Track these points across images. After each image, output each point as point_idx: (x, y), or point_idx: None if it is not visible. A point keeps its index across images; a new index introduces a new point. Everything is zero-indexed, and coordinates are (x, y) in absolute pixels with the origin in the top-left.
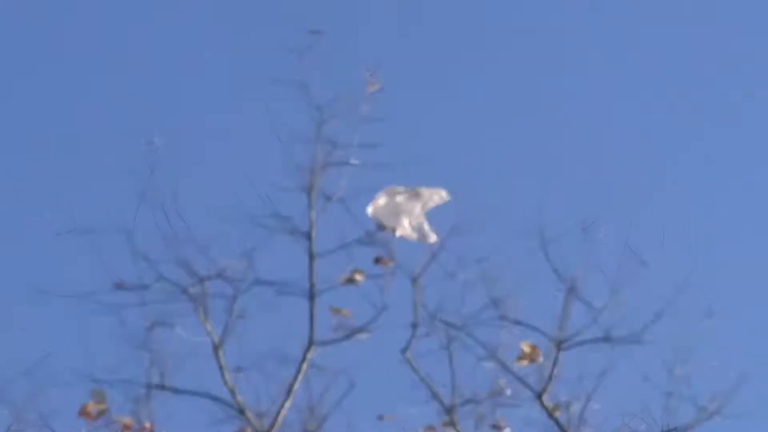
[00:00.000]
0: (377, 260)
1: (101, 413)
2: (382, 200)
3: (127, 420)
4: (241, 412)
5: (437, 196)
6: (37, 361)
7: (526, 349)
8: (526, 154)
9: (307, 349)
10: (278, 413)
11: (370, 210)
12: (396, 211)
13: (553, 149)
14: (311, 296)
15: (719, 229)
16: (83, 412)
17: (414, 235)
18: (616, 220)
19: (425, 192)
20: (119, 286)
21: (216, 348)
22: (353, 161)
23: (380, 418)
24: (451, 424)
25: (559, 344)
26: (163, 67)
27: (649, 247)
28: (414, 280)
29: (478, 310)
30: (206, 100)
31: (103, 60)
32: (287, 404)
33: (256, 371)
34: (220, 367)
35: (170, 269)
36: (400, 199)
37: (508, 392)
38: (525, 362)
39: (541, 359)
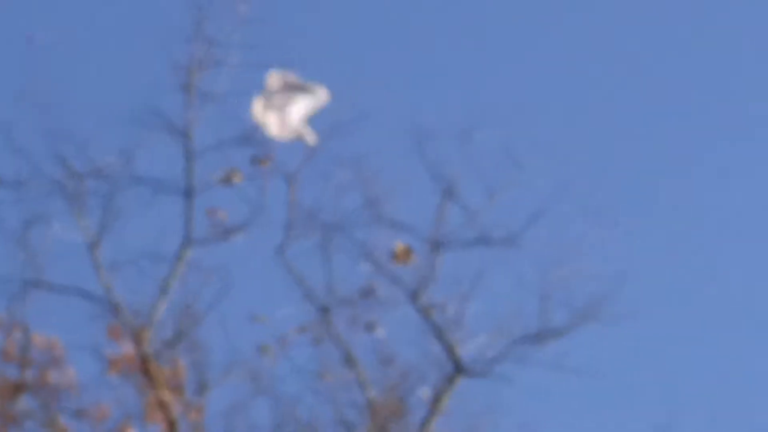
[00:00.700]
0: (254, 160)
1: None
2: (264, 97)
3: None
4: (116, 309)
5: (317, 95)
6: None
7: (400, 249)
8: (405, 55)
9: (183, 249)
10: (153, 311)
11: (252, 109)
12: (277, 111)
13: (434, 52)
14: (188, 195)
15: (598, 135)
16: None
17: (293, 136)
18: (495, 124)
19: (306, 87)
20: None
21: (92, 246)
22: (232, 61)
23: (254, 318)
24: (325, 324)
25: (435, 245)
26: None
27: (527, 151)
28: (290, 181)
29: (354, 211)
30: None
31: None
32: (162, 303)
33: (132, 269)
34: (96, 265)
35: (48, 166)
36: (280, 98)
37: (382, 293)
38: (399, 263)
39: (414, 260)
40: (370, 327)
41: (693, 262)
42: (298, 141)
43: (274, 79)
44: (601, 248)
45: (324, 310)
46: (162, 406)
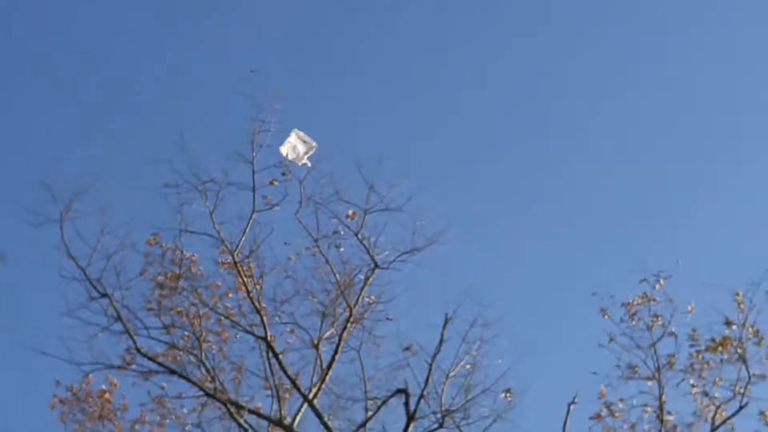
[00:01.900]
0: (284, 173)
1: None
2: (288, 142)
3: None
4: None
5: (312, 144)
6: None
7: None
8: None
9: None
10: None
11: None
12: (293, 149)
13: None
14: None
15: None
16: None
17: (301, 162)
18: None
19: (307, 139)
20: None
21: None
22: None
23: None
24: None
25: None
26: None
27: None
28: (300, 182)
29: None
30: None
31: None
32: None
33: None
34: None
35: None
36: (296, 143)
37: None
38: None
39: None
40: None
41: None
42: (303, 165)
43: (296, 132)
44: None
45: None
46: None
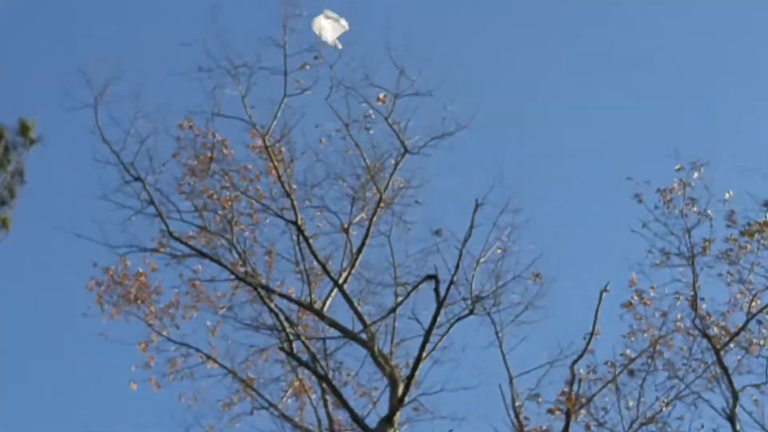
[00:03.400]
0: (316, 56)
1: None
2: (320, 19)
3: None
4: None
5: (343, 23)
6: None
7: None
8: None
9: None
10: None
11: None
12: (325, 27)
13: None
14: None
15: None
16: None
17: (332, 41)
18: None
19: (339, 18)
20: None
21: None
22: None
23: None
24: None
25: None
26: None
27: None
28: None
29: None
30: None
31: None
32: None
33: None
34: None
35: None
36: (327, 20)
37: None
38: None
39: None
40: None
41: None
42: (334, 45)
43: (326, 12)
44: None
45: None
46: None
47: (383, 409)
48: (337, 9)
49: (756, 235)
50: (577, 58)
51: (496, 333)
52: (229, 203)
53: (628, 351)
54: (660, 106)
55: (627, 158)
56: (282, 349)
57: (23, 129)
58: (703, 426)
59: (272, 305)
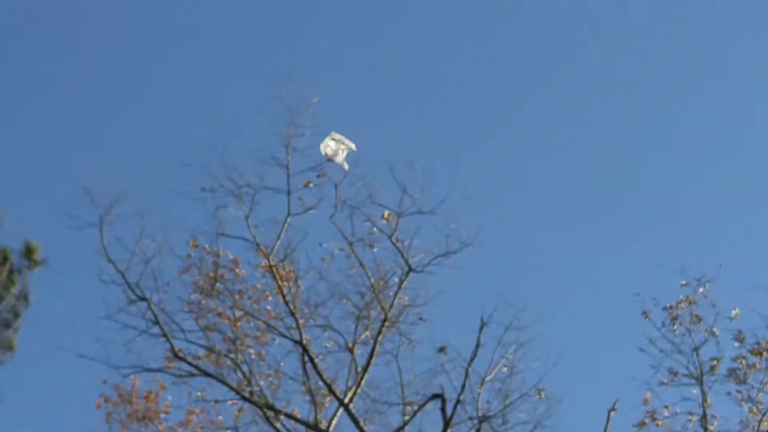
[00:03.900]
0: (319, 174)
1: None
2: (326, 142)
3: None
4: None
5: (350, 144)
6: None
7: None
8: None
9: None
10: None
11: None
12: (332, 149)
13: None
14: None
15: None
16: None
17: (339, 162)
18: None
19: (346, 140)
20: None
21: None
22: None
23: None
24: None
25: None
26: None
27: None
28: (336, 185)
29: None
30: None
31: None
32: None
33: None
34: None
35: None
36: (334, 142)
37: None
38: None
39: None
40: None
41: None
42: (341, 165)
43: (332, 135)
44: None
45: None
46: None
47: None
48: (338, 125)
49: (764, 354)
50: (576, 172)
51: None
52: (236, 323)
53: None
54: (667, 221)
55: (634, 274)
56: None
57: (28, 251)
58: None
59: (278, 425)
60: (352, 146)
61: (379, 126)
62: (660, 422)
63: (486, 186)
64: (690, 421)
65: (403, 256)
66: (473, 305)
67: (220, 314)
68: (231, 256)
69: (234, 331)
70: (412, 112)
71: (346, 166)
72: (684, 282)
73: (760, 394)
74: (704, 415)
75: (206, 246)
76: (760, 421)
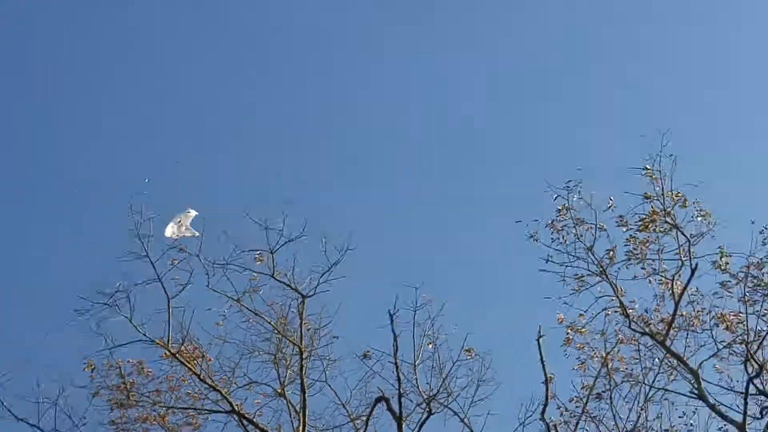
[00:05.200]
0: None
1: None
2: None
3: None
4: None
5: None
6: None
7: None
8: None
9: None
10: None
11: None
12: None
13: None
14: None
15: None
16: None
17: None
18: None
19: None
20: None
21: None
22: None
23: None
24: None
25: None
26: None
27: None
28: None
29: None
30: None
31: None
32: None
33: None
34: None
35: None
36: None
37: None
38: None
39: None
40: None
41: None
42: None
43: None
44: None
45: None
46: None
47: None
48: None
49: (650, 225)
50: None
51: (462, 420)
52: (165, 419)
53: (585, 381)
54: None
55: (515, 204)
56: None
57: None
58: (684, 414)
59: None
60: (193, 213)
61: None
62: (582, 330)
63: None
64: (608, 314)
65: (291, 287)
66: (378, 302)
67: (146, 419)
68: (133, 361)
69: (166, 427)
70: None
71: (197, 233)
72: (555, 196)
73: (662, 263)
74: (621, 305)
75: (105, 362)
76: (671, 285)
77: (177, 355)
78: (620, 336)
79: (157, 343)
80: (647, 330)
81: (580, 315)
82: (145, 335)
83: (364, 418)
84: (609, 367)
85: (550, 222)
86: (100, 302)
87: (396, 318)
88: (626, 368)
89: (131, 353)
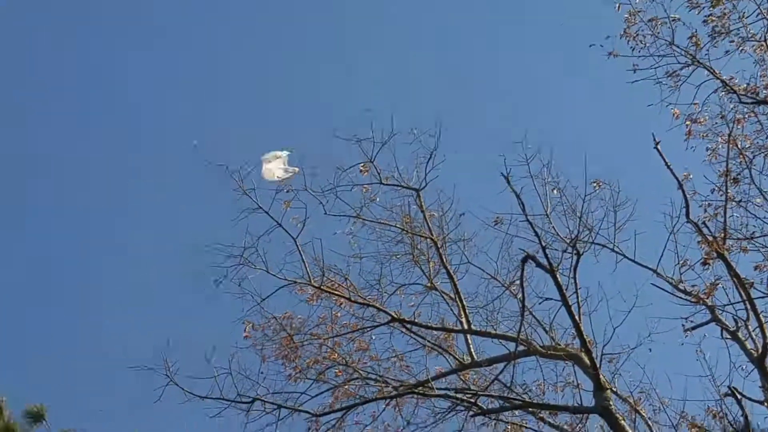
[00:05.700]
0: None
1: None
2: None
3: None
4: None
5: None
6: None
7: None
8: None
9: None
10: None
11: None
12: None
13: None
14: None
15: None
16: None
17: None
18: None
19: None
20: None
21: None
22: None
23: None
24: None
25: None
26: None
27: None
28: None
29: None
30: None
31: None
32: None
33: None
34: None
35: None
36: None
37: None
38: None
39: None
40: None
41: None
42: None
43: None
44: None
45: None
46: None
47: None
48: None
49: None
50: None
51: (612, 250)
52: (334, 355)
53: (720, 168)
54: None
55: None
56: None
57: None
58: None
59: None
60: (285, 153)
61: None
62: (701, 120)
63: None
64: (720, 96)
65: (402, 186)
66: (486, 171)
67: (317, 361)
68: (288, 313)
69: (339, 362)
70: None
71: (297, 169)
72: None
73: (748, 29)
74: (723, 83)
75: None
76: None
77: (322, 287)
78: (737, 116)
79: (299, 284)
80: (758, 98)
81: (693, 104)
82: (286, 279)
83: (518, 282)
84: (737, 146)
85: (623, 31)
86: (234, 264)
87: (510, 177)
88: (753, 143)
89: (276, 306)
